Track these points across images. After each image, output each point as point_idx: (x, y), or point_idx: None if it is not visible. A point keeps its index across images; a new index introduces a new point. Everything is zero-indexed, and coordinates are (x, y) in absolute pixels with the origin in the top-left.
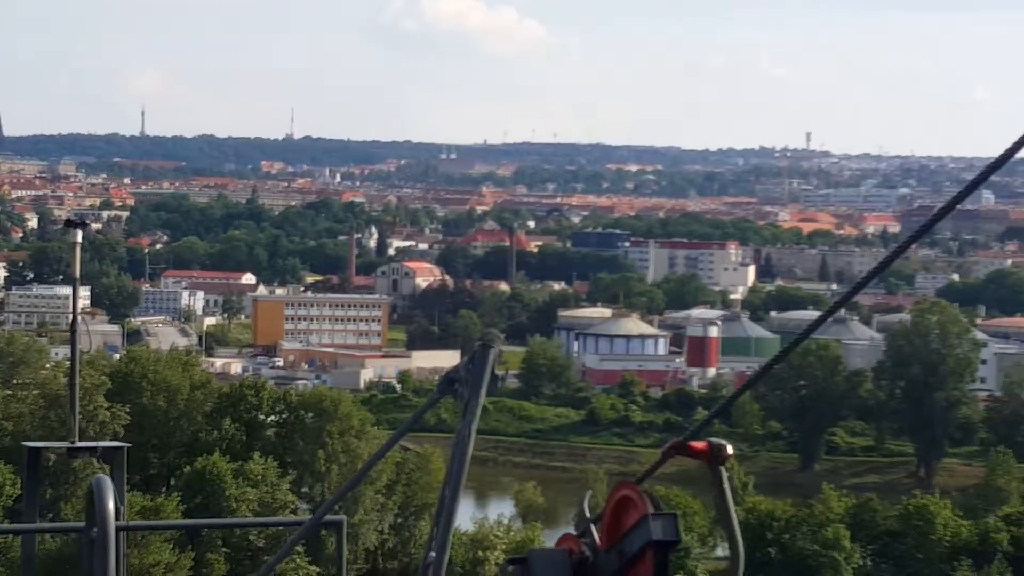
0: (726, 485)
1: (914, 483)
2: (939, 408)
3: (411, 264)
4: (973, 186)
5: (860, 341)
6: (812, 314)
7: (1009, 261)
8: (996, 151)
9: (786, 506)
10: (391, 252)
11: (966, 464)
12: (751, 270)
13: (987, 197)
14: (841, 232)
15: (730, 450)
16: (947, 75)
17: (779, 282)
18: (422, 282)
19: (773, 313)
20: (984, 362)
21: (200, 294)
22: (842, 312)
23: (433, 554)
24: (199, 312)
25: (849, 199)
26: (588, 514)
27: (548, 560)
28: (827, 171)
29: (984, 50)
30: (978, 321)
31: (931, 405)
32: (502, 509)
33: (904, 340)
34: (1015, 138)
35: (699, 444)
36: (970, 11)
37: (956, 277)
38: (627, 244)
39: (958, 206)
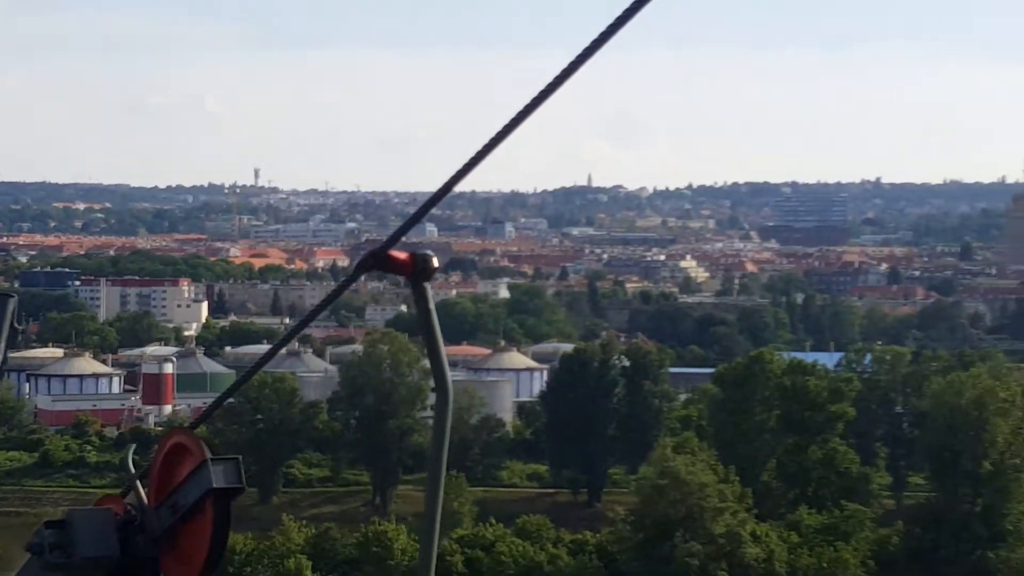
0: (431, 304)
1: (371, 511)
2: (393, 436)
3: None
4: (416, 219)
5: (315, 373)
6: (266, 348)
7: (454, 291)
8: (436, 185)
9: (246, 539)
10: None
11: (420, 490)
12: (204, 306)
13: (430, 230)
14: (292, 267)
15: (436, 263)
16: (387, 111)
17: (232, 317)
18: None
19: (228, 348)
20: (434, 390)
21: None
22: (296, 345)
23: None
24: None
25: (298, 234)
26: (133, 470)
27: (90, 520)
28: (276, 207)
29: (423, 86)
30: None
31: (385, 434)
32: None
33: (357, 371)
34: (452, 173)
35: (400, 255)
36: (401, 47)
37: (404, 308)
38: (77, 283)
39: (403, 238)
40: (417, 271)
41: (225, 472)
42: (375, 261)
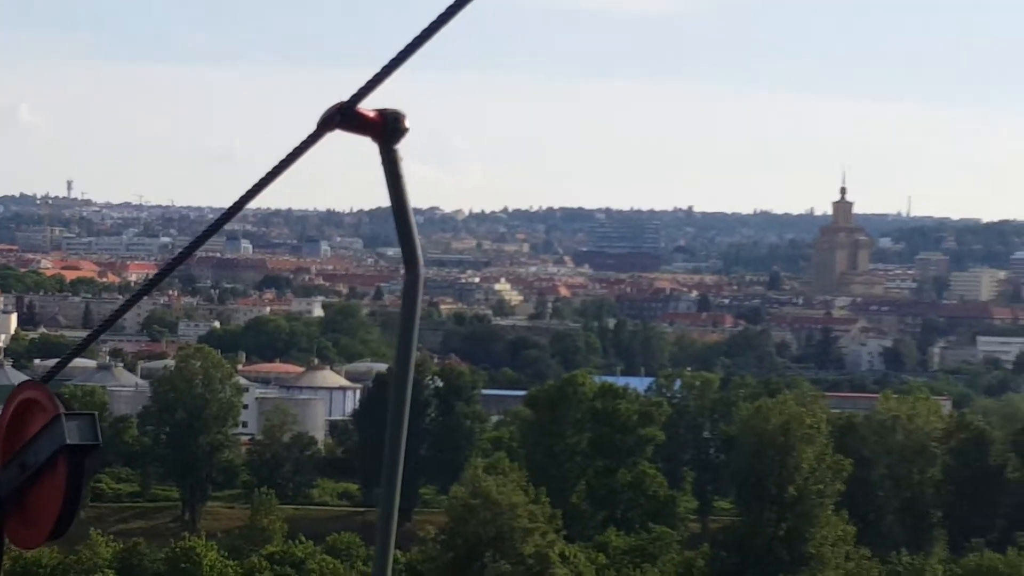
0: (401, 170)
1: (180, 527)
2: (203, 452)
3: None
4: (208, 234)
5: (125, 388)
6: (77, 362)
7: (268, 309)
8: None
9: (52, 553)
10: None
11: (229, 507)
12: (13, 318)
13: (245, 246)
14: (104, 280)
15: (408, 123)
16: (204, 126)
17: (42, 330)
18: None
19: (37, 361)
20: (246, 407)
21: None
22: (107, 359)
23: None
24: None
25: (111, 247)
26: None
27: None
28: (89, 219)
29: (240, 101)
30: (240, 367)
31: (196, 450)
32: None
33: (169, 386)
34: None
35: (368, 112)
36: (218, 62)
37: (218, 324)
38: None
39: (219, 255)
40: (387, 132)
41: (80, 428)
42: (341, 118)
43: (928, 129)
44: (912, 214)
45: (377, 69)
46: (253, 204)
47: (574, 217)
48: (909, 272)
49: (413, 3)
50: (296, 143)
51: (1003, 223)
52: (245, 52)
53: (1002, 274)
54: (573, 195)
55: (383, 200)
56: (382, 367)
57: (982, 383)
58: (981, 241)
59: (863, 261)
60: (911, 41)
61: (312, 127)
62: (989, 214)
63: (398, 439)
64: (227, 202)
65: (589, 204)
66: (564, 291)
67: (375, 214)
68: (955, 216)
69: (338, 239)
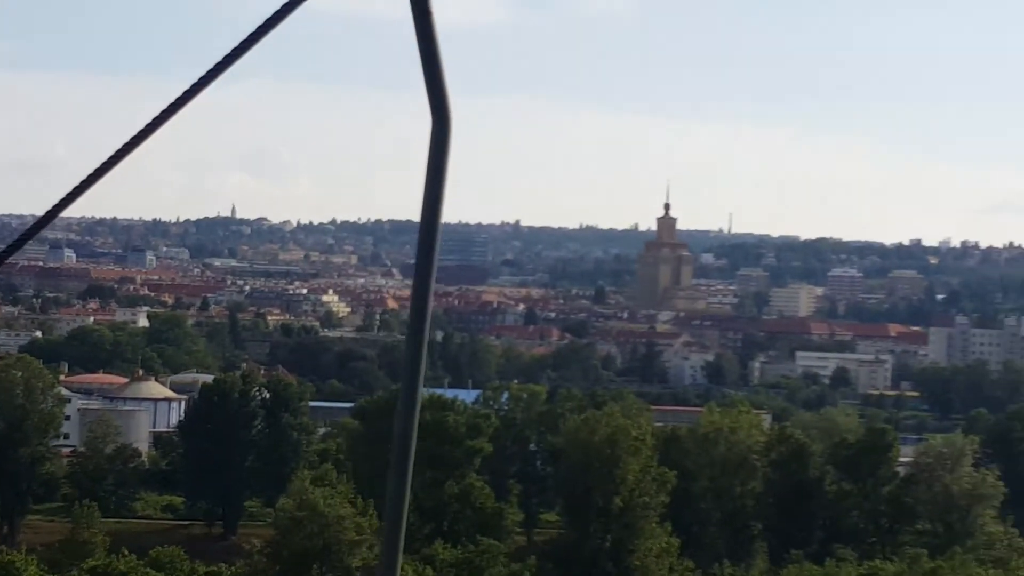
0: (431, 2)
1: None
2: (23, 465)
3: None
4: (19, 244)
5: None
6: None
7: (92, 318)
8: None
9: None
10: None
11: (50, 520)
12: None
13: (69, 255)
14: None
15: None
16: (24, 132)
17: None
18: None
19: None
20: (68, 418)
21: None
22: None
23: None
24: None
25: None
26: None
27: None
28: None
29: (62, 108)
30: (62, 377)
31: (15, 462)
32: None
33: None
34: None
35: None
36: (39, 69)
37: (39, 334)
38: None
39: (42, 264)
40: None
41: None
42: None
43: (747, 147)
44: (733, 231)
45: None
46: (76, 212)
47: (402, 230)
48: (730, 288)
49: (232, 15)
50: (118, 146)
51: (820, 240)
52: (61, 59)
53: (819, 290)
54: (401, 208)
55: (211, 211)
56: (208, 378)
57: (800, 397)
58: (799, 258)
59: (686, 276)
60: (729, 59)
61: (132, 131)
62: (807, 231)
63: (419, 344)
64: (40, 209)
65: (417, 217)
66: (392, 303)
67: (202, 224)
68: (775, 233)
69: (164, 249)
